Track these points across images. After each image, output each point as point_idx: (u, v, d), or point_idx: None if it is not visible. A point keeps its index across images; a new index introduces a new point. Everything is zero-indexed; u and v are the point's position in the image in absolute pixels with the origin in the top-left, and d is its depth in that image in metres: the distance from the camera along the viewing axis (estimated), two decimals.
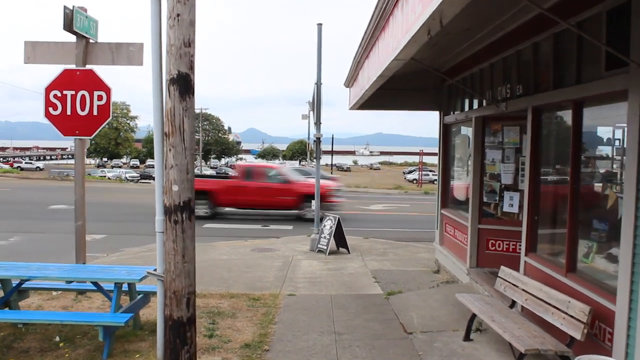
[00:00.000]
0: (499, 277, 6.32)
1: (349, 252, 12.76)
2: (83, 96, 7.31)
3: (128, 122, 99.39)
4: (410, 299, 8.00)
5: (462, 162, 9.40)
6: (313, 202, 14.16)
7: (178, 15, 4.27)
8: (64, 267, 5.91)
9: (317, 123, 13.41)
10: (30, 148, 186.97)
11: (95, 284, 5.64)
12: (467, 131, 9.47)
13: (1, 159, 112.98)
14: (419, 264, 11.64)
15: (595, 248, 4.96)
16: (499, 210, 8.43)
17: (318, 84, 13.22)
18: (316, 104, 13.22)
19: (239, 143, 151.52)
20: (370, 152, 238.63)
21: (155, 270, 5.07)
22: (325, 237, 12.78)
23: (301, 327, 6.80)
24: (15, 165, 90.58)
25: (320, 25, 13.13)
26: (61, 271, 5.58)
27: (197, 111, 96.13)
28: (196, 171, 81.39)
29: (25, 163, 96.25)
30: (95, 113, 7.36)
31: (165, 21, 4.35)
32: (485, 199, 8.41)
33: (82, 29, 7.30)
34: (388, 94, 10.49)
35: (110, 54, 7.53)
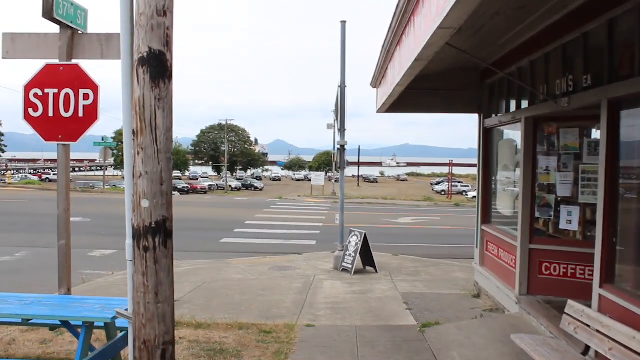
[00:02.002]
0: (567, 314, 5.05)
1: (376, 272, 11.54)
2: (67, 95, 6.28)
3: None
4: (450, 334, 6.74)
5: (507, 170, 8.13)
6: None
7: None
8: (27, 299, 4.85)
9: (342, 130, 12.27)
10: None
11: (64, 322, 4.56)
12: (514, 135, 8.22)
13: (32, 170, 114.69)
14: (455, 285, 10.36)
15: None
16: (552, 227, 7.15)
17: (342, 87, 12.10)
18: (340, 109, 12.09)
19: (265, 154, 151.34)
20: (397, 163, 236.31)
21: (127, 309, 3.95)
22: (350, 255, 11.59)
23: None
24: (44, 177, 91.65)
25: (344, 22, 12.03)
26: (20, 306, 4.51)
27: (221, 122, 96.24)
28: (222, 182, 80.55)
29: (53, 174, 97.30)
30: (80, 114, 6.32)
31: None
32: (537, 214, 7.13)
33: (66, 18, 6.28)
34: (421, 94, 9.34)
35: (99, 46, 6.50)
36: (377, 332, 7.02)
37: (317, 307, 8.47)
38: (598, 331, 4.42)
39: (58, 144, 6.60)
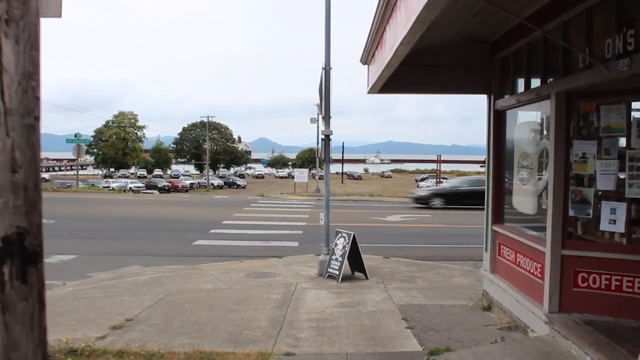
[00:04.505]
0: None
1: (366, 278, 10.12)
2: None
3: (136, 131, 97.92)
4: None
5: (527, 159, 6.73)
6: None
7: None
8: None
9: (326, 117, 10.80)
10: (41, 159, 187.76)
11: None
12: (534, 117, 6.84)
13: None
14: (458, 294, 8.97)
15: None
16: (590, 229, 5.78)
17: (327, 69, 10.64)
18: (325, 94, 10.62)
19: (248, 152, 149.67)
20: (381, 160, 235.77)
21: None
22: (337, 259, 10.15)
23: None
24: None
25: None
26: None
27: (203, 119, 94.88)
28: (203, 180, 79.78)
29: None
30: None
31: None
32: (571, 212, 5.74)
33: None
34: (419, 71, 7.94)
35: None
36: None
37: (299, 327, 7.01)
38: None
39: None
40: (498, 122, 7.71)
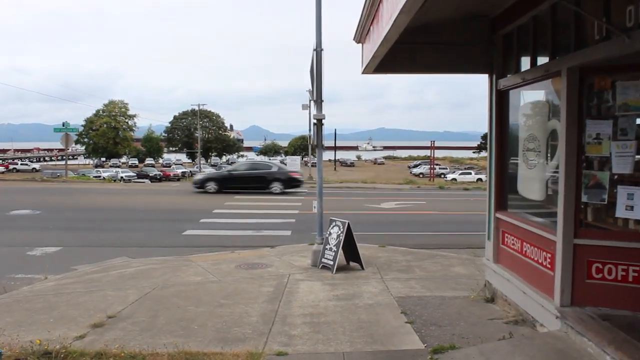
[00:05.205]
0: None
1: (362, 268, 9.72)
2: None
3: (127, 120, 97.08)
4: None
5: (534, 142, 6.28)
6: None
7: None
8: None
9: (318, 101, 10.30)
10: (31, 150, 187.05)
11: None
12: (542, 96, 6.39)
13: (0, 160, 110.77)
14: (459, 284, 8.59)
15: None
16: (605, 215, 5.37)
17: (318, 50, 10.13)
18: (316, 76, 10.12)
19: (240, 140, 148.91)
20: (374, 147, 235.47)
21: None
22: (331, 249, 9.73)
23: None
24: (11, 167, 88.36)
25: None
26: None
27: (194, 107, 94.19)
28: (195, 169, 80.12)
29: (21, 164, 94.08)
30: None
31: None
32: (584, 198, 5.32)
33: None
34: (417, 50, 7.48)
35: None
36: None
37: (292, 323, 6.58)
38: None
39: None
40: (500, 103, 7.26)
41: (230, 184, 27.50)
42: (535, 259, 6.04)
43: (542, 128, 6.18)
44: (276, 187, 27.26)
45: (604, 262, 5.18)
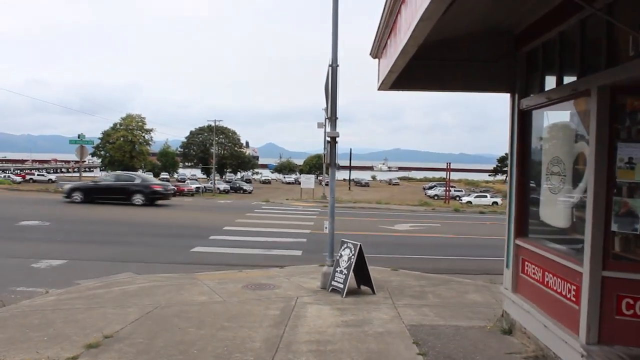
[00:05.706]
0: None
1: (373, 292, 9.32)
2: None
3: (143, 135, 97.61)
4: None
5: (559, 165, 5.92)
6: None
7: None
8: None
9: (332, 118, 10.02)
10: (49, 161, 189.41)
11: None
12: (567, 117, 6.03)
13: (18, 170, 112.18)
14: (474, 313, 8.16)
15: None
16: (637, 246, 4.96)
17: (333, 66, 9.87)
18: (331, 92, 9.85)
19: (256, 157, 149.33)
20: (389, 167, 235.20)
21: None
22: (342, 272, 9.35)
23: None
24: (28, 177, 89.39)
25: None
26: None
27: (210, 123, 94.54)
28: (209, 185, 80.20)
29: (38, 175, 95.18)
30: None
31: None
32: (614, 227, 4.93)
33: None
34: (434, 66, 7.18)
35: None
36: None
37: (297, 350, 6.21)
38: None
39: None
40: (522, 124, 6.90)
41: (94, 195, 28.50)
42: (559, 290, 5.63)
43: (567, 151, 5.81)
44: (138, 199, 28.14)
45: (636, 298, 4.77)
